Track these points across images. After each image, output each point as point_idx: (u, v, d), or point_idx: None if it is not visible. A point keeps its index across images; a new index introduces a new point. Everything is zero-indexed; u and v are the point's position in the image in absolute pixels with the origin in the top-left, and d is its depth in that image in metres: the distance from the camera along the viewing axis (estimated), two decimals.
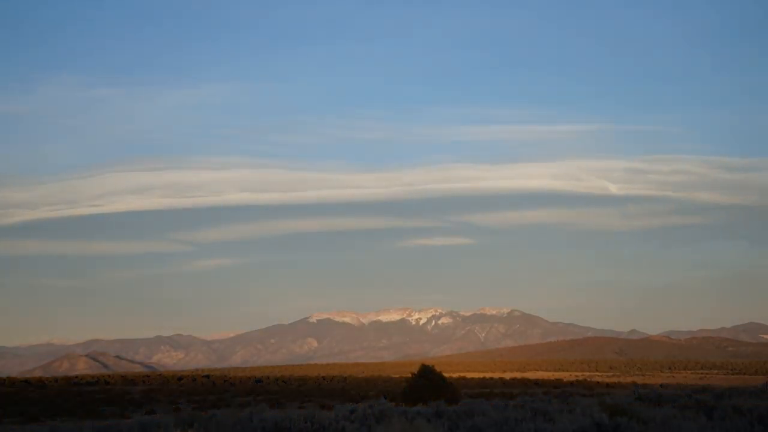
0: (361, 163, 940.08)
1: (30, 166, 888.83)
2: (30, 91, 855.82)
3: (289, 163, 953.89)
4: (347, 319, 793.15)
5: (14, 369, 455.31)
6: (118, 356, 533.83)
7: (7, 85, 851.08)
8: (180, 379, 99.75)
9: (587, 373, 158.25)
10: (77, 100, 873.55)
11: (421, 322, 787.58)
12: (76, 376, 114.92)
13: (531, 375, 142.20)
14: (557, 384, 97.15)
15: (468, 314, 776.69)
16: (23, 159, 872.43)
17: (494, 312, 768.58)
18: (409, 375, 40.16)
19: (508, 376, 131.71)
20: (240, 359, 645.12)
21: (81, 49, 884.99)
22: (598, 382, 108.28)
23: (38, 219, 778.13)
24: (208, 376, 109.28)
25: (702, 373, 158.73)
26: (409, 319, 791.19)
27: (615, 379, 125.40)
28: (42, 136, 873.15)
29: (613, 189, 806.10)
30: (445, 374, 41.55)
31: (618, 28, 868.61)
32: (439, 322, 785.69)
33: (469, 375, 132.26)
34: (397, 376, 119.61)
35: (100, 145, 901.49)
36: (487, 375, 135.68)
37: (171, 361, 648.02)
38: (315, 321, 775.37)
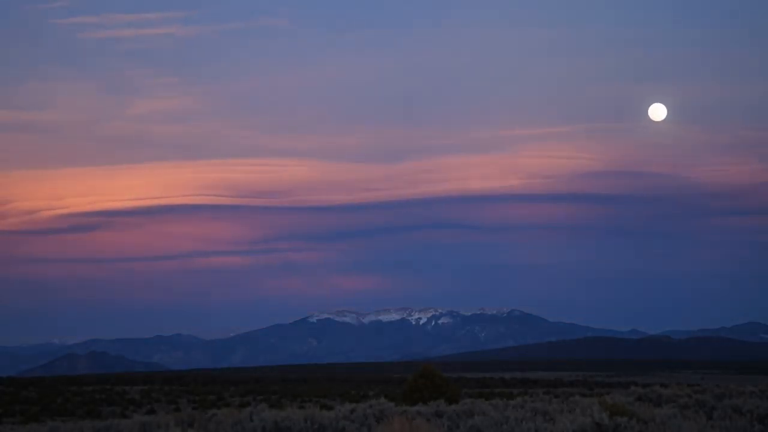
0: (361, 162, 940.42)
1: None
2: None
3: (288, 164, 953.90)
4: (347, 319, 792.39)
5: (14, 369, 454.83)
6: (118, 356, 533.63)
7: None
8: (180, 378, 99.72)
9: (587, 373, 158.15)
10: None
11: (421, 322, 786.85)
12: (76, 376, 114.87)
13: (531, 375, 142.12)
14: (557, 384, 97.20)
15: (468, 314, 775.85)
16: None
17: (494, 312, 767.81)
18: (409, 375, 40.13)
19: (508, 376, 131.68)
20: (240, 359, 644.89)
21: None
22: (598, 382, 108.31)
23: (41, 217, 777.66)
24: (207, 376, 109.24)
25: (702, 373, 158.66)
26: (409, 319, 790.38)
27: (615, 379, 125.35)
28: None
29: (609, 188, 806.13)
30: (445, 374, 41.50)
31: None
32: (439, 322, 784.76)
33: (469, 375, 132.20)
34: (397, 376, 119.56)
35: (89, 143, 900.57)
36: (487, 375, 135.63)
37: (171, 361, 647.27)
38: (315, 321, 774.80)
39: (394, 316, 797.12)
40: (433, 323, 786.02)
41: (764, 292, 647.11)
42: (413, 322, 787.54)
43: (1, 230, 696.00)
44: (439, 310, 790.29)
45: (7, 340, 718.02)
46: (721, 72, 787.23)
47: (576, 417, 18.49)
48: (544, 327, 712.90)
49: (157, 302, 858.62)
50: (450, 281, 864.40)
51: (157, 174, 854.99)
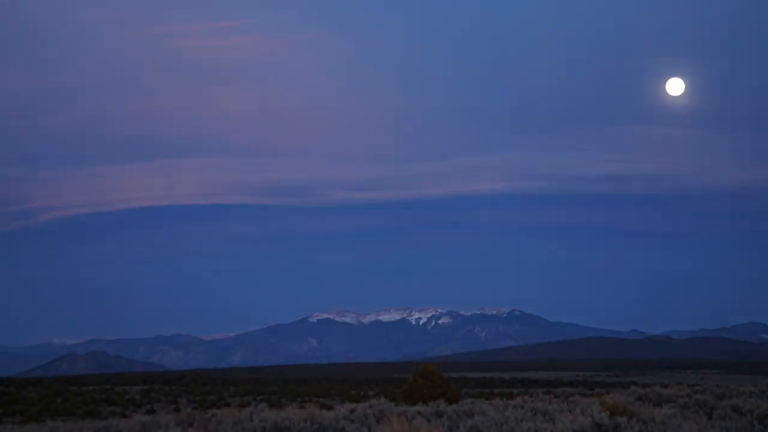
0: (361, 163, 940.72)
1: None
2: None
3: (290, 164, 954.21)
4: (347, 319, 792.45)
5: (14, 369, 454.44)
6: (118, 356, 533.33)
7: None
8: (180, 378, 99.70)
9: (587, 373, 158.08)
10: None
11: (421, 322, 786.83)
12: (76, 376, 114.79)
13: (531, 375, 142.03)
14: (557, 384, 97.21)
15: (468, 314, 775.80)
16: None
17: (494, 312, 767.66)
18: (409, 375, 40.10)
19: (508, 376, 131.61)
20: (240, 359, 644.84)
21: None
22: (598, 382, 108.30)
23: (46, 219, 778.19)
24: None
25: (702, 373, 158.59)
26: (409, 319, 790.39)
27: (615, 379, 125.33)
28: None
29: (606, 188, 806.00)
30: (445, 374, 41.47)
31: None
32: (439, 322, 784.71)
33: (469, 375, 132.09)
34: (397, 376, 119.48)
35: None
36: (487, 375, 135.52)
37: (171, 361, 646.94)
38: (315, 321, 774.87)
39: (394, 316, 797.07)
40: (433, 323, 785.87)
41: (764, 292, 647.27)
42: (413, 322, 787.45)
43: (10, 230, 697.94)
44: (439, 310, 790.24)
45: (7, 340, 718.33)
46: (722, 76, 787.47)
47: (576, 417, 18.48)
48: (544, 327, 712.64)
49: (157, 302, 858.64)
50: (450, 281, 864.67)
51: (154, 175, 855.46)
